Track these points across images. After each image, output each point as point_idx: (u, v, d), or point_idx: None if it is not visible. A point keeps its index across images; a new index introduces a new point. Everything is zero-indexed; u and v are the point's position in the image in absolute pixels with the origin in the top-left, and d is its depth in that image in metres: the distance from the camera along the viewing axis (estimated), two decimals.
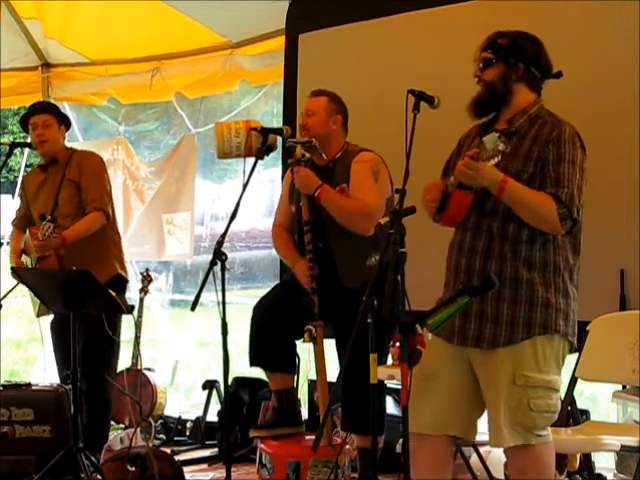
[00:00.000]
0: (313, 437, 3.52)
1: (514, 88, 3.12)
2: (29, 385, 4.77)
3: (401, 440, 2.96)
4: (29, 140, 5.16)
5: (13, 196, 9.36)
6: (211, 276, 3.55)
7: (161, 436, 5.98)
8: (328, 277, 4.15)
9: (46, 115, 4.98)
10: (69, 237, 4.72)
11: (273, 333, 4.16)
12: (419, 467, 3.13)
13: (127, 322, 5.18)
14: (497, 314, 3.03)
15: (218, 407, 5.86)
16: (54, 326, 4.98)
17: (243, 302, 6.19)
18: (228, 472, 3.76)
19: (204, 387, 5.96)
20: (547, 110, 3.15)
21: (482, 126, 3.22)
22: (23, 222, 5.11)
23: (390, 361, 4.24)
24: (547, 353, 3.04)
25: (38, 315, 4.94)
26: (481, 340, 3.05)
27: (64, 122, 5.07)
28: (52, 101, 6.82)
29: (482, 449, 4.07)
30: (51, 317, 4.99)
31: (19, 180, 7.84)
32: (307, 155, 4.22)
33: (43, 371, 5.83)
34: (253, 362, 4.27)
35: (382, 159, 4.24)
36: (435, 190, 3.14)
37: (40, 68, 7.06)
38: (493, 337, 3.03)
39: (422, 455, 3.13)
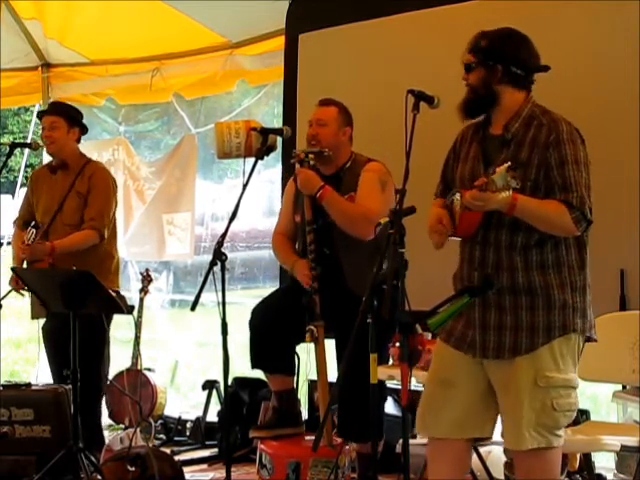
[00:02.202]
0: (313, 437, 3.52)
1: (498, 90, 3.07)
2: (29, 385, 4.76)
3: (401, 440, 2.97)
4: (29, 140, 5.16)
5: (13, 196, 9.36)
6: (211, 276, 3.55)
7: (161, 436, 5.97)
8: (333, 282, 4.15)
9: (54, 117, 4.96)
10: (58, 247, 4.74)
11: (272, 336, 4.16)
12: (439, 471, 3.13)
13: (127, 322, 5.18)
14: (516, 322, 3.00)
15: (218, 407, 5.86)
16: (45, 328, 4.97)
17: (243, 302, 6.19)
18: (228, 472, 3.77)
19: (204, 387, 5.95)
20: (540, 108, 3.11)
21: (476, 128, 3.19)
22: (25, 221, 5.09)
23: (390, 361, 4.24)
24: (564, 352, 3.02)
25: (33, 317, 4.94)
26: (502, 350, 3.02)
27: (76, 124, 5.01)
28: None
29: (482, 449, 4.07)
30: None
31: (19, 180, 7.88)
32: (311, 156, 4.22)
33: (43, 371, 5.83)
34: (254, 365, 4.28)
35: (388, 170, 4.25)
36: (445, 219, 3.09)
37: (40, 68, 7.06)
38: (514, 345, 3.00)
39: (443, 459, 3.13)
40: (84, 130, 5.10)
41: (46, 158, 5.27)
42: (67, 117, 4.99)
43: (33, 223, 4.80)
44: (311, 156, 4.23)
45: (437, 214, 3.13)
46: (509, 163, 2.80)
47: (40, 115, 5.15)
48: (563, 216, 2.94)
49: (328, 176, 4.26)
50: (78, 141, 5.06)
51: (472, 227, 3.06)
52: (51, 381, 4.97)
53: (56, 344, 4.73)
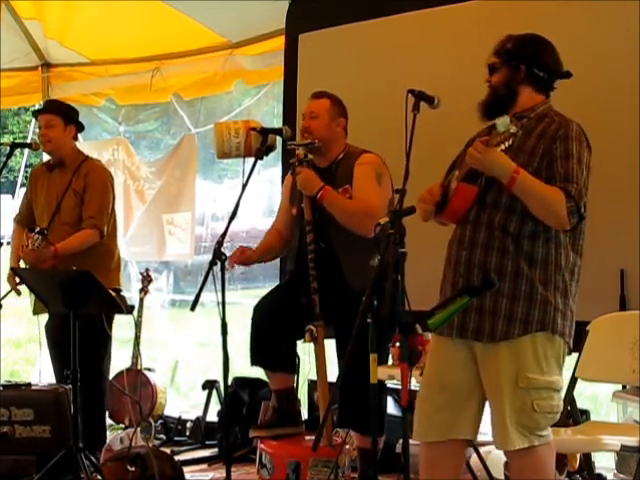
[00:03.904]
0: (313, 437, 3.52)
1: (519, 89, 3.13)
2: (29, 385, 4.76)
3: (401, 440, 2.97)
4: (29, 140, 5.16)
5: (13, 196, 9.36)
6: (211, 276, 3.55)
7: (161, 436, 5.97)
8: (330, 277, 4.14)
9: (50, 115, 4.95)
10: (61, 250, 4.74)
11: (273, 333, 4.16)
12: (436, 472, 3.15)
13: (127, 322, 5.18)
14: (495, 308, 3.04)
15: (218, 407, 5.86)
16: (48, 326, 4.97)
17: (243, 302, 6.20)
18: (228, 472, 3.77)
19: (204, 387, 5.95)
20: (555, 111, 3.16)
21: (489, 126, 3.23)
22: (26, 218, 5.09)
23: (390, 361, 4.24)
24: (548, 353, 3.04)
25: (34, 313, 4.93)
26: (480, 333, 3.05)
27: (73, 122, 5.01)
28: None
29: (482, 449, 4.07)
30: (47, 317, 4.97)
31: (19, 180, 7.88)
32: (310, 156, 4.22)
33: (43, 371, 5.83)
34: (254, 362, 4.27)
35: (383, 161, 4.24)
36: (436, 189, 3.15)
37: (40, 68, 7.06)
38: (491, 330, 3.04)
39: (440, 460, 3.15)
40: (80, 128, 5.10)
41: (46, 158, 5.27)
42: (63, 115, 4.99)
43: (38, 229, 4.80)
44: (310, 156, 4.23)
45: (430, 187, 3.18)
46: (515, 113, 2.84)
47: (35, 114, 5.14)
48: (560, 203, 2.97)
49: (322, 169, 4.25)
50: (75, 139, 5.06)
51: (464, 205, 3.07)
52: (52, 380, 4.98)
53: (58, 343, 4.73)
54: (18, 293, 4.84)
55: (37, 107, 6.41)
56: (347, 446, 4.19)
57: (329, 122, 4.25)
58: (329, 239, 4.19)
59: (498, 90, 3.13)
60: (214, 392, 5.90)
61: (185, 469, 4.67)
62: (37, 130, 5.14)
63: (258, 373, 4.86)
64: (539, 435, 3.03)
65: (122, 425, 5.65)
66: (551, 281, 3.04)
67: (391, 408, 4.76)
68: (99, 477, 4.24)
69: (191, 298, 3.58)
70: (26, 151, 6.82)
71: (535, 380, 3.01)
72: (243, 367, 5.39)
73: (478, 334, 3.06)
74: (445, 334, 3.14)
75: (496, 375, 3.04)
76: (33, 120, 5.77)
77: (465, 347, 3.12)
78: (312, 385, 5.26)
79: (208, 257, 3.69)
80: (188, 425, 5.95)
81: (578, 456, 4.15)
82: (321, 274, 4.14)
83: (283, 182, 4.74)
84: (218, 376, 5.46)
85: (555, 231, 3.04)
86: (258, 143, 4.08)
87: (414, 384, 3.46)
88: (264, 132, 4.10)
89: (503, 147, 2.93)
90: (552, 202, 2.98)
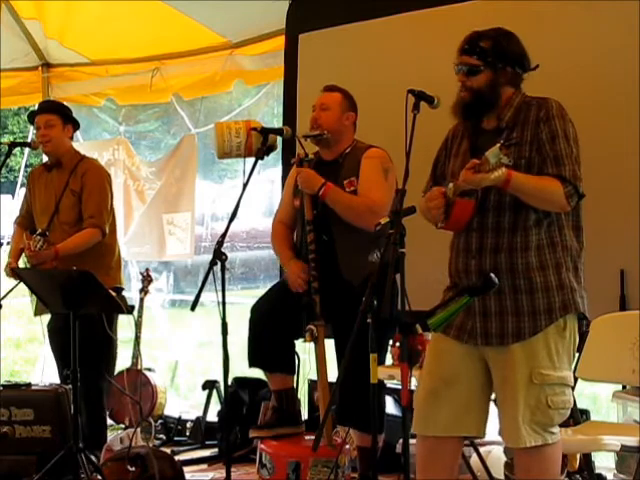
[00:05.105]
0: (313, 437, 3.52)
1: (502, 91, 3.10)
2: (29, 385, 4.76)
3: (401, 440, 2.97)
4: (29, 140, 5.15)
5: (13, 196, 9.36)
6: (211, 276, 3.55)
7: (161, 436, 5.98)
8: (329, 272, 4.14)
9: (49, 115, 4.96)
10: (62, 251, 4.75)
11: (271, 334, 4.16)
12: (435, 471, 3.14)
13: (127, 322, 5.18)
14: (517, 306, 3.04)
15: (218, 407, 5.86)
16: (50, 326, 4.97)
17: (243, 302, 6.19)
18: (228, 472, 3.77)
19: (204, 387, 5.96)
20: (529, 96, 3.15)
21: (467, 124, 3.21)
22: (26, 220, 5.10)
23: (390, 361, 4.24)
24: (560, 349, 3.05)
25: (36, 314, 4.94)
26: (505, 336, 3.04)
27: (70, 122, 5.02)
28: None
29: (482, 449, 4.07)
30: (49, 316, 4.97)
31: (19, 180, 7.88)
32: (310, 155, 4.22)
33: (43, 371, 5.83)
34: (252, 363, 4.27)
35: (390, 157, 4.24)
36: (439, 198, 3.12)
37: (40, 68, 7.06)
38: (517, 330, 3.03)
39: (439, 457, 3.15)
40: (77, 126, 5.11)
41: (46, 157, 5.27)
42: (62, 114, 5.00)
43: (39, 231, 4.81)
44: (311, 156, 4.23)
45: (431, 191, 3.15)
46: (502, 141, 2.82)
47: (31, 116, 5.13)
48: (557, 191, 2.98)
49: (328, 161, 4.26)
50: (72, 138, 5.07)
51: (465, 215, 3.07)
52: (51, 381, 4.97)
53: (61, 343, 4.73)
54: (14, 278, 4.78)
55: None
56: (347, 446, 4.19)
57: (340, 115, 4.26)
58: (331, 232, 4.18)
59: (483, 94, 3.08)
60: (214, 392, 5.90)
61: (185, 469, 4.66)
62: (34, 131, 5.13)
63: (258, 373, 4.85)
64: (552, 432, 3.03)
65: (122, 425, 5.65)
66: (562, 262, 3.05)
67: (391, 408, 4.77)
68: (99, 477, 4.24)
69: (191, 298, 3.58)
70: (26, 151, 6.82)
71: (549, 376, 3.01)
72: (243, 367, 5.39)
73: (502, 337, 3.04)
74: (465, 341, 3.11)
75: (510, 372, 3.03)
76: None
77: (471, 345, 3.12)
78: (312, 385, 5.27)
79: (208, 257, 3.69)
80: (188, 425, 5.96)
81: (578, 456, 4.15)
82: (321, 269, 4.13)
83: (283, 182, 4.74)
84: (218, 376, 5.45)
85: (555, 214, 3.05)
86: (259, 143, 4.08)
87: (414, 384, 3.47)
88: (265, 132, 4.10)
89: (496, 174, 2.87)
90: (548, 192, 2.99)
